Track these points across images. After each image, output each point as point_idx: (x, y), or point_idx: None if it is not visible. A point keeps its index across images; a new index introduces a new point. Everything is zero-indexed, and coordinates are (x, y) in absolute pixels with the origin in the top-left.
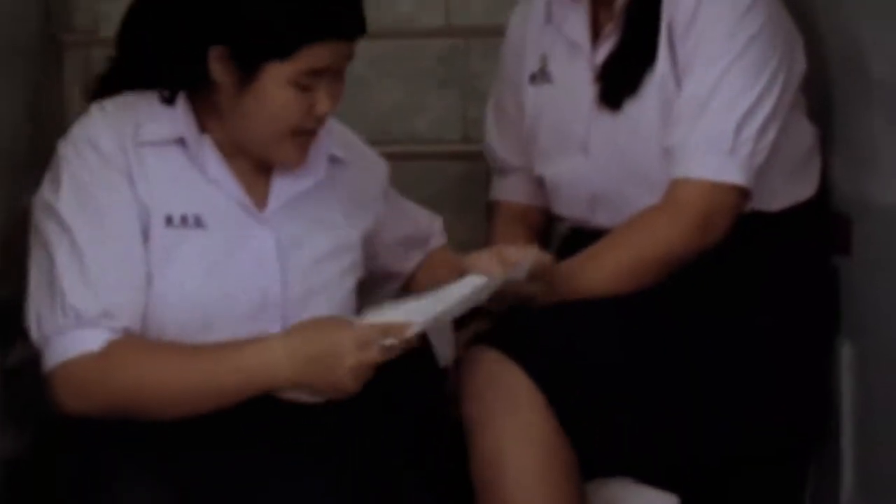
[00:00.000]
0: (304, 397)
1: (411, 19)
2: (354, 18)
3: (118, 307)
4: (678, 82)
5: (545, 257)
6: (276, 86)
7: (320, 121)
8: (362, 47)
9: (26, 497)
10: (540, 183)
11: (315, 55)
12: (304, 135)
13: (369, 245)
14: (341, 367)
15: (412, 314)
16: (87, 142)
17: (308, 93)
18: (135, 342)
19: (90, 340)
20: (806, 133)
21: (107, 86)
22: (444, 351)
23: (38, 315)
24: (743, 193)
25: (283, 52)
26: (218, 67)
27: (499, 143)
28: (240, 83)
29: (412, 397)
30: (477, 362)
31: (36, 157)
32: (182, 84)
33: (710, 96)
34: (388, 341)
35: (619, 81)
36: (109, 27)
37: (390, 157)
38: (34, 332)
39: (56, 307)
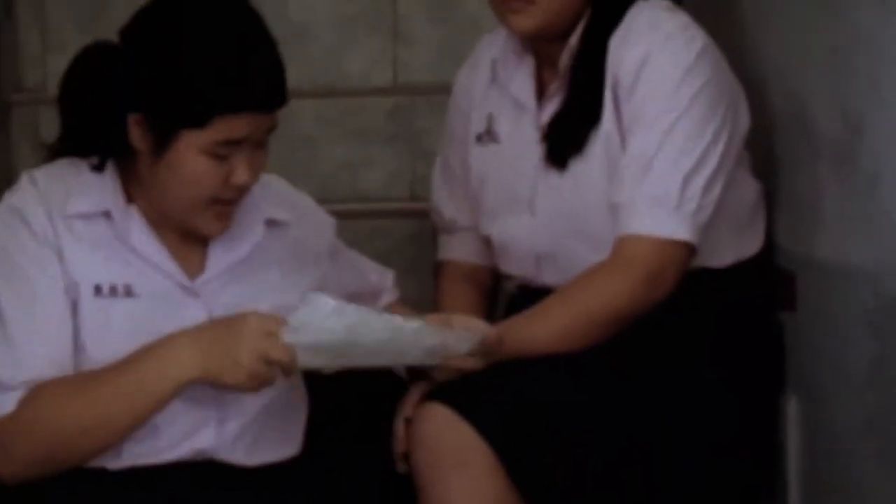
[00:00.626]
0: None
1: (358, 77)
2: (274, 91)
3: (40, 374)
4: (623, 140)
5: (492, 337)
6: (190, 154)
7: (240, 191)
8: (309, 105)
9: None
10: (487, 242)
11: (231, 126)
12: (223, 204)
13: None
14: (242, 345)
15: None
16: (16, 214)
17: (225, 162)
18: (42, 387)
19: (7, 402)
20: (750, 189)
21: (56, 154)
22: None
23: None
24: (689, 249)
25: (197, 121)
26: (136, 134)
27: (446, 202)
28: (156, 151)
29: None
30: (426, 419)
31: None
32: (108, 151)
33: (655, 153)
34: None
35: (564, 140)
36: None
37: (337, 215)
38: None
39: None
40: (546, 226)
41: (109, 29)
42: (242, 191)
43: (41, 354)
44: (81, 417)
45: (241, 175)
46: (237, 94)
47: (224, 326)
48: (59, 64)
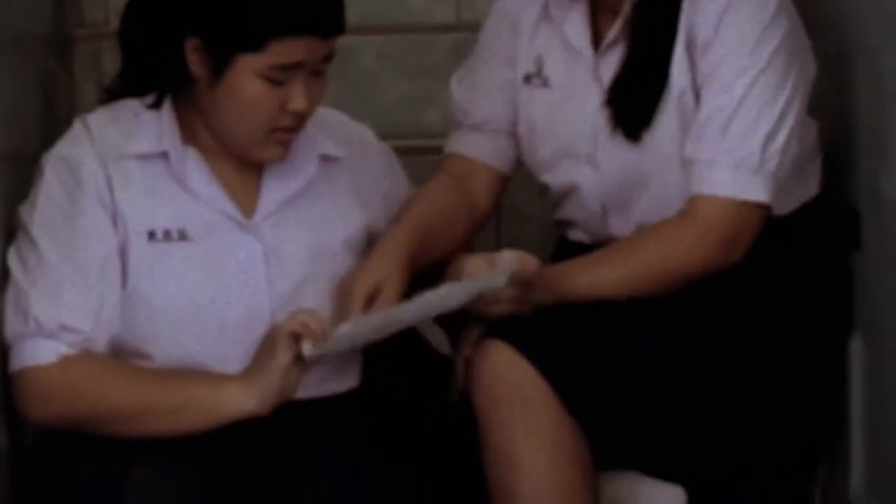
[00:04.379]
0: None
1: (421, 14)
2: (328, 16)
3: (78, 322)
4: (697, 96)
5: (530, 264)
6: (246, 78)
7: (299, 118)
8: (372, 42)
9: (38, 489)
10: (542, 190)
11: (286, 50)
12: (283, 132)
13: (373, 240)
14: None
15: (370, 323)
16: (65, 163)
17: (281, 88)
18: (91, 359)
19: (46, 352)
20: (810, 131)
21: (113, 96)
22: (439, 341)
23: (4, 316)
24: (766, 210)
25: (253, 44)
26: (194, 59)
27: (476, 98)
28: (213, 76)
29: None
30: (487, 356)
31: (46, 152)
32: (166, 85)
33: (734, 112)
34: (306, 349)
35: (633, 112)
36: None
37: (399, 151)
38: (2, 332)
39: (19, 313)
40: (610, 179)
41: None
42: (300, 118)
43: (78, 299)
44: (122, 405)
45: (297, 101)
46: (291, 17)
47: (259, 351)
48: (120, 0)
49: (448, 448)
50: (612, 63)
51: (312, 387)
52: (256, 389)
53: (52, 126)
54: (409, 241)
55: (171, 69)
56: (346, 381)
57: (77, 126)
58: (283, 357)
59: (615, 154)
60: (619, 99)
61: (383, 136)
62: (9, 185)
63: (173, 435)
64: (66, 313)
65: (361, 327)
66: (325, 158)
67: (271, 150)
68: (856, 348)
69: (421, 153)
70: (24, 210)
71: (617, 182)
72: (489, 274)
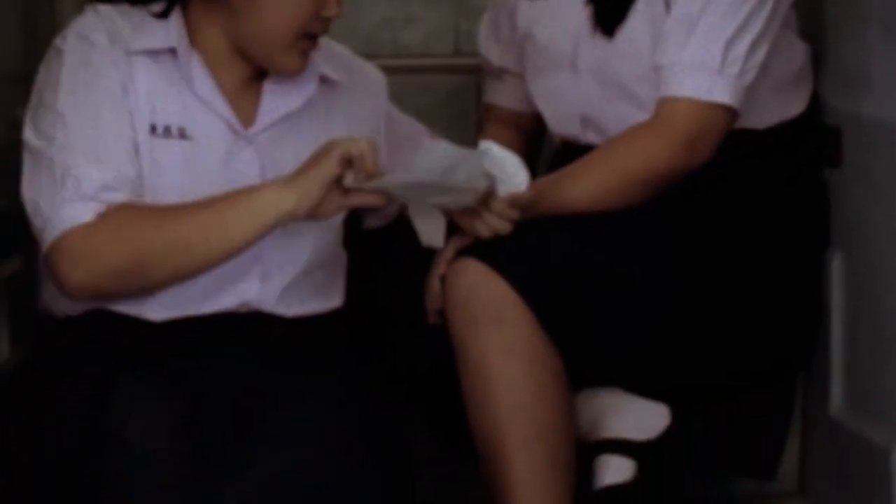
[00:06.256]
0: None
1: None
2: None
3: (118, 181)
4: (668, 3)
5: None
6: None
7: (326, 25)
8: None
9: (21, 408)
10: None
11: None
12: (309, 39)
13: None
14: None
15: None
16: (83, 38)
17: None
18: (129, 206)
19: (87, 212)
20: (797, 52)
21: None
22: (429, 233)
23: (37, 203)
24: (731, 113)
25: None
26: None
27: (495, 53)
28: None
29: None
30: (460, 274)
31: (28, 71)
32: None
33: (698, 17)
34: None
35: (610, 7)
36: None
37: (380, 70)
38: (35, 221)
39: (57, 185)
40: (589, 85)
41: None
42: (327, 25)
43: (116, 158)
44: (172, 233)
45: (331, 7)
46: None
47: (307, 161)
48: None
49: (428, 365)
50: None
51: (296, 306)
52: (294, 190)
53: (33, 45)
54: None
55: None
56: (329, 301)
57: (89, 10)
58: (329, 168)
59: (593, 56)
60: None
61: (363, 55)
62: None
63: (226, 255)
64: (107, 172)
65: (405, 180)
66: (324, 80)
67: (294, 59)
68: (836, 265)
69: (400, 72)
70: (42, 86)
71: (595, 90)
72: (518, 169)
